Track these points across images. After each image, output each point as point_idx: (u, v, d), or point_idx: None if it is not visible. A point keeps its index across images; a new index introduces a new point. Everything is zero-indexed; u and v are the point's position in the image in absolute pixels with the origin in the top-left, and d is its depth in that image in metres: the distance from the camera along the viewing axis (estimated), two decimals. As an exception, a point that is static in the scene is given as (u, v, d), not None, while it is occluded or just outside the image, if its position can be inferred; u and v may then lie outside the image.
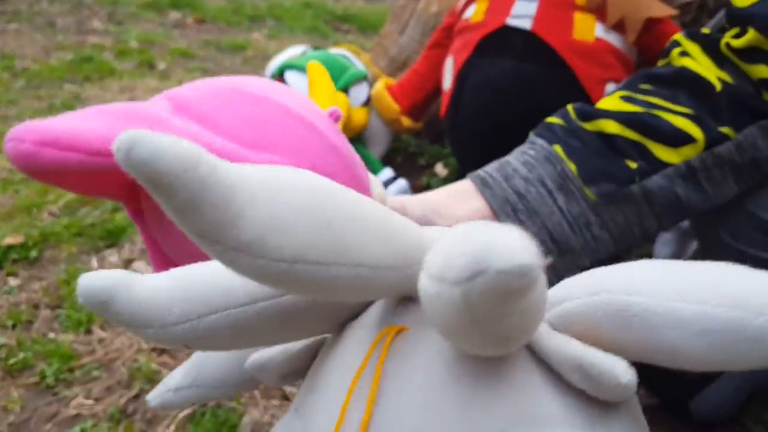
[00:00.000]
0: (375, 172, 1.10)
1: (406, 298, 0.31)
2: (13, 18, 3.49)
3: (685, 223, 0.92)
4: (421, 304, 0.24)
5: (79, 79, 2.79)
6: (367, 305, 0.33)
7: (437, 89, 1.12)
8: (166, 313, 0.28)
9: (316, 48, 1.12)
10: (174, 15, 4.06)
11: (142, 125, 0.45)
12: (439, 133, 1.28)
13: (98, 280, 0.27)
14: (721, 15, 0.91)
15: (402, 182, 1.08)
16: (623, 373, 0.25)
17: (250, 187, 0.22)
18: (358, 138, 1.12)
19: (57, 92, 2.58)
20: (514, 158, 0.63)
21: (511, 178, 0.60)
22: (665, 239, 0.98)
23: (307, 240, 0.23)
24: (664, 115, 0.60)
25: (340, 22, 4.28)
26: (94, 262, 1.18)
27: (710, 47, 0.64)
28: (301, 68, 1.04)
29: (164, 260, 0.57)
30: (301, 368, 0.37)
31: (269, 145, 0.48)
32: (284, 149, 0.49)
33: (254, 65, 3.31)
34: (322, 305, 0.31)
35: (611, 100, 0.64)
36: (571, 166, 0.59)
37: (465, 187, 0.62)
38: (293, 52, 1.09)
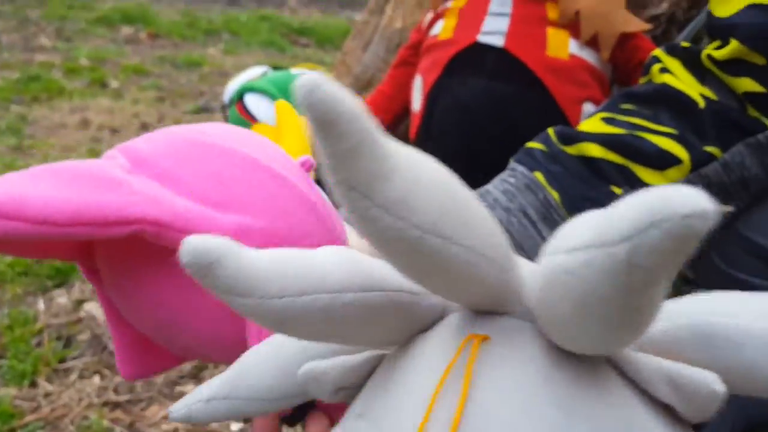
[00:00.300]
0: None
1: (484, 313, 0.31)
2: (-46, 36, 3.34)
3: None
4: (539, 305, 0.25)
5: (26, 100, 2.68)
6: (435, 320, 0.33)
7: (405, 110, 1.07)
8: (268, 284, 0.27)
9: (276, 68, 1.06)
10: (126, 30, 3.95)
11: (99, 189, 0.40)
12: (407, 153, 1.23)
13: (208, 241, 0.26)
14: (690, 27, 0.88)
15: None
16: (714, 380, 0.26)
17: (397, 150, 0.23)
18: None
19: (2, 114, 2.46)
20: (494, 187, 0.59)
21: (491, 209, 0.57)
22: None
23: (440, 211, 0.24)
24: (647, 136, 0.57)
25: (298, 36, 4.23)
26: (41, 305, 1.09)
27: (691, 61, 0.62)
28: (261, 91, 0.97)
29: (120, 322, 0.51)
30: (356, 383, 0.37)
31: (237, 204, 0.44)
32: (254, 208, 0.44)
33: (210, 81, 3.23)
34: (404, 306, 0.31)
35: (592, 122, 0.61)
36: (554, 194, 0.56)
37: None
38: (253, 73, 1.02)
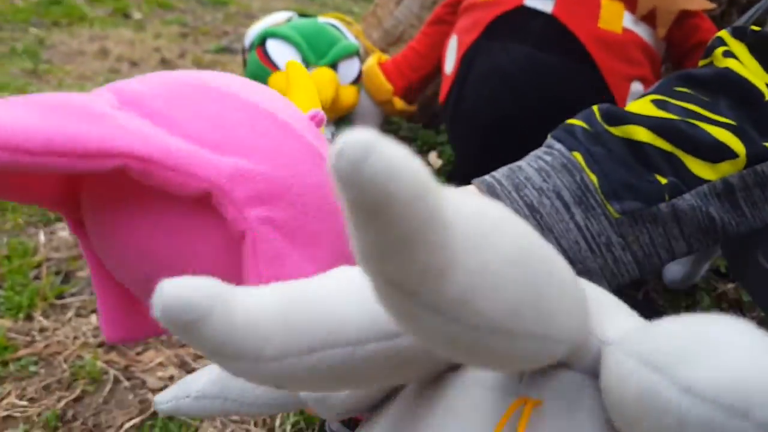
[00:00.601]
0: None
1: None
2: (-23, -49, 3.26)
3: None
4: (609, 398, 0.21)
5: (46, 23, 2.62)
6: None
7: (436, 70, 1.01)
8: (265, 344, 0.22)
9: (302, 15, 1.00)
10: (154, -39, 3.84)
11: (79, 119, 0.36)
12: (434, 117, 1.17)
13: (191, 291, 0.20)
14: (754, 11, 0.81)
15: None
16: None
17: (465, 224, 0.18)
18: (345, 119, 1.01)
19: (20, 36, 2.41)
20: (527, 164, 0.55)
21: (522, 188, 0.52)
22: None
23: (512, 304, 0.19)
24: (702, 124, 0.52)
25: (330, -20, 4.11)
26: (42, 237, 1.06)
27: (759, 48, 0.56)
28: (284, 37, 0.92)
29: (107, 280, 0.47)
30: (367, 406, 0.33)
31: (237, 146, 0.40)
32: (256, 152, 0.41)
33: (235, 22, 3.15)
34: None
35: (642, 104, 0.56)
36: (593, 178, 0.51)
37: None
38: (277, 18, 0.96)
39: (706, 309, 0.90)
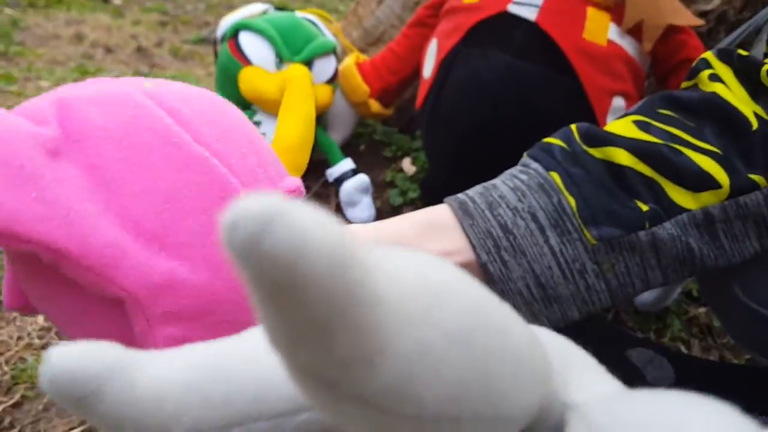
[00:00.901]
0: (334, 161, 0.95)
1: None
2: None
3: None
4: None
5: (22, 4, 2.55)
6: None
7: (414, 74, 0.98)
8: (174, 421, 0.19)
9: (279, 9, 0.95)
10: (137, -54, 3.77)
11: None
12: (410, 121, 1.14)
13: (81, 360, 0.17)
14: (741, 30, 0.79)
15: (362, 178, 0.94)
16: None
17: (401, 298, 0.15)
18: (318, 119, 0.97)
19: (-7, 17, 2.34)
20: (502, 182, 0.52)
21: (496, 206, 0.49)
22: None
23: (456, 388, 0.16)
24: (686, 150, 0.50)
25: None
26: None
27: (746, 72, 0.54)
28: (258, 30, 0.87)
29: (19, 296, 0.43)
30: None
31: (181, 243, 0.33)
32: (201, 253, 0.34)
33: (217, 13, 3.09)
34: None
35: (624, 124, 0.53)
36: (571, 200, 0.48)
37: (441, 214, 0.51)
38: (253, 9, 0.92)
39: (677, 333, 0.87)
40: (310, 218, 0.13)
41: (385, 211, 0.98)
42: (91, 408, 0.18)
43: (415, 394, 0.16)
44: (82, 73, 1.76)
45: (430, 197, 0.91)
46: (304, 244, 0.12)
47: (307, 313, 0.13)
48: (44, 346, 0.82)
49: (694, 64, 0.57)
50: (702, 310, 0.91)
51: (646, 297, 0.85)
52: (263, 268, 0.12)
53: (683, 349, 0.86)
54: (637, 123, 0.53)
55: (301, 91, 0.50)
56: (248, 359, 0.21)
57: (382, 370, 0.15)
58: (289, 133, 0.50)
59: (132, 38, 2.41)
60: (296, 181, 0.42)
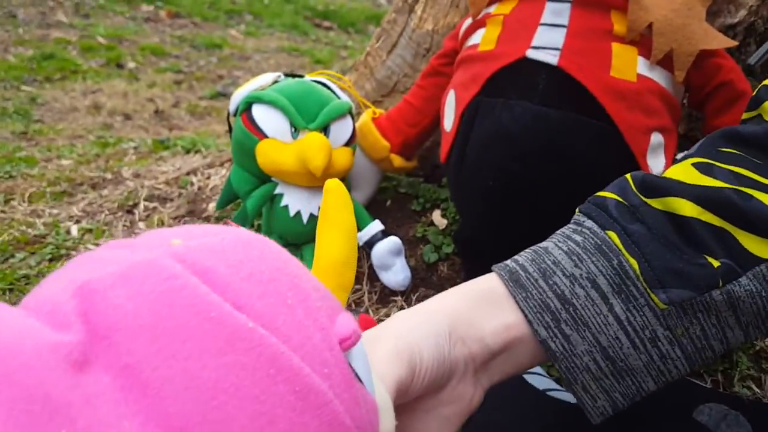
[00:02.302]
0: (362, 225, 0.91)
1: None
2: (-32, 10, 3.25)
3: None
4: None
5: (39, 79, 2.59)
6: None
7: (434, 123, 0.94)
8: None
9: (289, 75, 0.93)
10: (146, 8, 3.84)
11: (16, 406, 0.25)
12: (434, 168, 1.10)
13: None
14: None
15: (394, 240, 0.90)
16: None
17: None
18: (342, 180, 0.94)
19: (12, 94, 2.38)
20: (555, 245, 0.48)
21: (551, 275, 0.45)
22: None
23: None
24: (756, 193, 0.45)
25: (321, 19, 4.08)
26: None
27: None
28: (270, 101, 0.85)
29: None
30: None
31: None
32: None
33: (230, 65, 3.12)
34: None
35: (683, 169, 0.48)
36: (633, 262, 0.44)
37: (490, 286, 0.47)
38: (263, 80, 0.89)
39: (745, 371, 0.81)
40: None
41: (420, 270, 0.94)
42: None
43: None
44: (103, 147, 1.76)
45: (466, 250, 0.86)
46: None
47: None
48: None
49: (755, 93, 0.52)
50: (769, 341, 0.85)
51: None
52: None
53: (754, 387, 0.80)
54: (697, 166, 0.48)
55: (338, 202, 0.46)
56: None
57: None
58: (332, 252, 0.46)
59: (149, 101, 2.43)
60: (349, 325, 0.37)
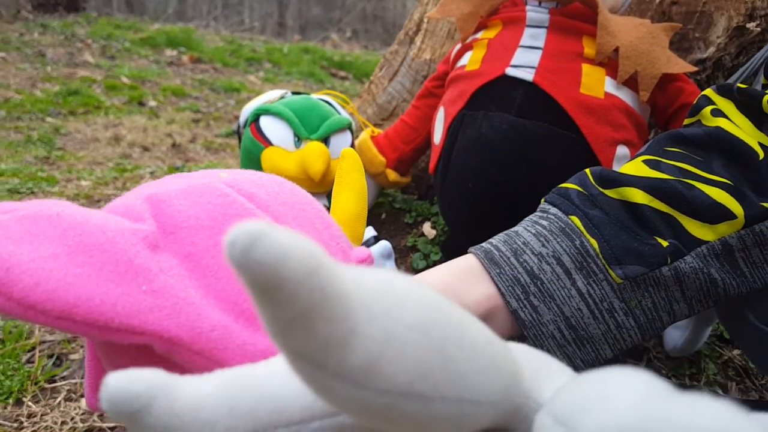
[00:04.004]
0: (355, 231, 0.98)
1: None
2: (1, 47, 3.42)
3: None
4: None
5: (63, 113, 2.71)
6: None
7: (426, 142, 1.02)
8: (209, 429, 0.23)
9: (296, 93, 1.02)
10: (169, 53, 4.01)
11: (108, 277, 0.32)
12: (428, 189, 1.17)
13: (133, 383, 0.22)
14: (738, 75, 0.81)
15: (384, 244, 0.97)
16: None
17: (366, 296, 0.19)
18: (338, 192, 1.01)
19: (37, 125, 2.49)
20: (524, 229, 0.54)
21: (521, 253, 0.51)
22: (677, 323, 0.87)
23: (419, 368, 0.20)
24: (698, 184, 0.51)
25: (337, 69, 4.25)
26: (37, 319, 1.06)
27: (747, 105, 0.56)
28: (276, 113, 0.93)
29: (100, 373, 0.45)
30: None
31: None
32: None
33: (246, 106, 3.24)
34: None
35: (635, 165, 0.55)
36: (593, 242, 0.50)
37: (468, 263, 0.53)
38: (271, 96, 0.98)
39: (712, 377, 0.86)
40: (288, 236, 0.17)
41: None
42: (141, 421, 0.22)
43: (385, 372, 0.19)
44: (121, 172, 1.85)
45: (452, 258, 0.93)
46: (284, 254, 0.16)
47: (290, 307, 0.17)
48: (88, 430, 0.84)
49: (695, 101, 0.59)
50: (736, 352, 0.90)
51: (675, 341, 0.85)
52: (254, 272, 0.16)
53: (720, 392, 0.85)
54: (647, 162, 0.55)
55: (352, 166, 0.54)
56: (268, 378, 0.25)
57: (355, 351, 0.19)
58: (347, 207, 0.54)
59: (167, 136, 2.54)
60: (365, 251, 0.45)
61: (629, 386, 0.19)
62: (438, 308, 0.22)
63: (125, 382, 0.22)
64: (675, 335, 0.85)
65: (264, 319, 0.18)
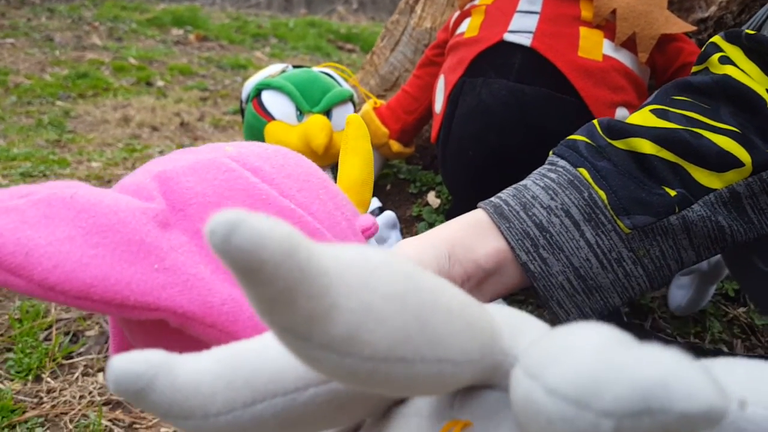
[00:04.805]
0: (360, 202, 0.99)
1: (464, 389, 0.28)
2: (10, 33, 3.43)
3: (704, 265, 0.82)
4: (513, 410, 0.23)
5: (72, 96, 2.73)
6: None
7: (429, 111, 1.02)
8: (210, 401, 0.25)
9: (297, 66, 1.02)
10: (176, 32, 4.00)
11: (122, 257, 0.33)
12: (433, 159, 1.18)
13: (135, 363, 0.24)
14: (746, 26, 0.80)
15: (389, 214, 0.98)
16: None
17: (343, 271, 0.21)
18: (342, 164, 1.02)
19: (48, 109, 2.51)
20: (533, 182, 0.54)
21: (530, 207, 0.52)
22: (681, 282, 0.87)
23: (397, 334, 0.22)
24: (705, 133, 0.51)
25: (344, 42, 4.21)
26: (53, 298, 1.08)
27: (756, 51, 0.55)
28: (278, 88, 0.94)
29: (124, 341, 0.47)
30: None
31: None
32: None
33: (253, 83, 3.24)
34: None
35: (642, 115, 0.55)
36: (601, 194, 0.50)
37: (477, 218, 0.53)
38: (272, 70, 0.99)
39: (717, 334, 0.87)
40: (266, 222, 0.18)
41: (415, 245, 1.02)
42: (145, 398, 0.24)
43: (366, 340, 0.21)
44: (130, 152, 1.87)
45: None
46: (261, 239, 0.18)
47: (271, 287, 0.19)
48: (105, 403, 0.87)
49: (703, 48, 0.58)
50: (742, 309, 0.90)
51: (680, 299, 0.85)
52: (234, 258, 0.18)
53: (725, 350, 0.85)
54: (654, 112, 0.55)
55: (358, 132, 0.55)
56: (263, 351, 0.27)
57: (337, 322, 0.20)
58: (353, 173, 0.55)
59: (175, 115, 2.55)
60: (370, 219, 0.46)
61: (592, 338, 0.20)
62: (411, 277, 0.23)
63: (128, 363, 0.23)
64: (679, 294, 0.85)
65: (249, 299, 0.19)
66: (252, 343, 0.27)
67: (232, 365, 0.26)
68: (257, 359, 0.27)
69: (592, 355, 0.19)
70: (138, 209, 0.36)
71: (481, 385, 0.27)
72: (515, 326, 0.28)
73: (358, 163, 0.55)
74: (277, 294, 0.19)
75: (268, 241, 0.18)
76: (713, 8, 0.96)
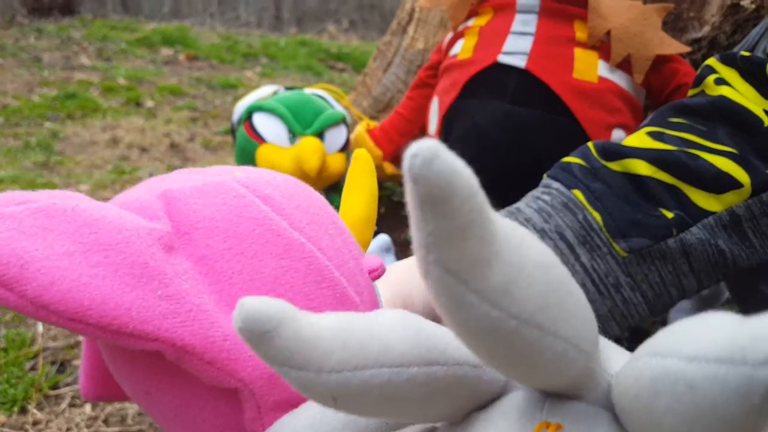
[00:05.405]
0: (353, 225, 0.98)
1: (552, 395, 0.29)
2: (-3, 54, 3.41)
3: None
4: (629, 398, 0.24)
5: (60, 117, 2.71)
6: (494, 397, 0.32)
7: (423, 133, 1.01)
8: (326, 357, 0.25)
9: (289, 88, 1.01)
10: (165, 52, 4.00)
11: (123, 280, 0.31)
12: (428, 180, 1.17)
13: (268, 305, 0.24)
14: (738, 49, 0.80)
15: (383, 237, 0.96)
16: None
17: (503, 229, 0.22)
18: (334, 187, 1.01)
19: (35, 130, 2.49)
20: (526, 205, 0.53)
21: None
22: (681, 306, 0.86)
23: (540, 301, 0.23)
24: (702, 154, 0.50)
25: (335, 61, 4.22)
26: (40, 327, 1.06)
27: (752, 72, 0.54)
28: (269, 110, 0.93)
29: (97, 388, 0.45)
30: None
31: None
32: None
33: (244, 103, 3.23)
34: (467, 381, 0.29)
35: (638, 137, 0.54)
36: (596, 216, 0.49)
37: None
38: (263, 92, 0.98)
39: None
40: (457, 158, 0.19)
41: (409, 269, 1.00)
42: (269, 341, 0.24)
43: (516, 297, 0.22)
44: (119, 174, 1.85)
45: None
46: (457, 171, 0.19)
47: (452, 220, 0.19)
48: (92, 435, 0.84)
49: (698, 71, 0.57)
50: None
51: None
52: (431, 183, 0.19)
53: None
54: (650, 134, 0.54)
55: (364, 168, 0.53)
56: (375, 323, 0.28)
57: (495, 272, 0.21)
58: (357, 209, 0.53)
59: (165, 136, 2.53)
60: (377, 260, 0.45)
61: (720, 318, 0.21)
62: (553, 255, 0.25)
63: (260, 304, 0.24)
64: (679, 318, 0.84)
65: (423, 234, 0.20)
66: (360, 317, 0.28)
67: (349, 328, 0.27)
68: (371, 328, 0.27)
69: (730, 324, 0.20)
70: (143, 229, 0.34)
71: (570, 394, 0.28)
72: (604, 343, 0.30)
73: (363, 199, 0.53)
74: (455, 229, 0.19)
75: (464, 173, 0.19)
76: (706, 28, 0.96)
